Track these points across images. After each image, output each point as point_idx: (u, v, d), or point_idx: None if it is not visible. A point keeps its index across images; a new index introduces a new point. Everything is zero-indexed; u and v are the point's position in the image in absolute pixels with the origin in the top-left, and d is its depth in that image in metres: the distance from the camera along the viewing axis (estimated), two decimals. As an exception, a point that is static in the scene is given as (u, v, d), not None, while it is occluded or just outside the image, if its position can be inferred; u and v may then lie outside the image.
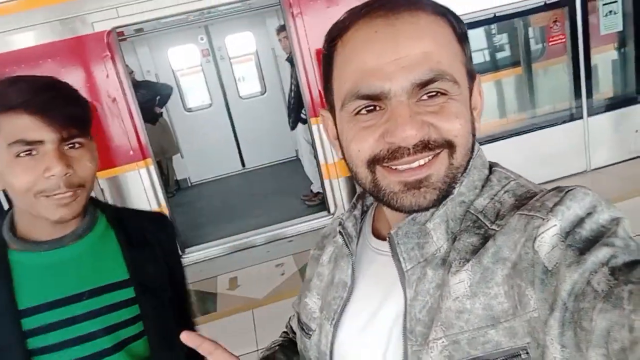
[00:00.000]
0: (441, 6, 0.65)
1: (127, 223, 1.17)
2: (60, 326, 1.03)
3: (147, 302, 1.11)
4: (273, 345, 0.93)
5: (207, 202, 6.45)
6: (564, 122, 4.74)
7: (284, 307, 3.59)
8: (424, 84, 0.59)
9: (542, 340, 0.52)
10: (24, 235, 1.06)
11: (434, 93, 0.60)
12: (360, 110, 0.62)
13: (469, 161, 0.66)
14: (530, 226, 0.56)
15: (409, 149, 0.60)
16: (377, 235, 0.76)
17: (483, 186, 0.67)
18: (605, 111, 4.77)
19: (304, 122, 5.05)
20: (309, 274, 0.87)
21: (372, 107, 0.62)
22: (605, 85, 4.90)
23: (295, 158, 7.25)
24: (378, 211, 0.79)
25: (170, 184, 6.89)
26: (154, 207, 4.34)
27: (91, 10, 4.18)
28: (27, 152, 0.96)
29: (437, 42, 0.61)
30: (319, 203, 5.21)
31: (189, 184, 7.53)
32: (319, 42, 4.41)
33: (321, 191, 5.16)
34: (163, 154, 6.57)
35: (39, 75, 1.03)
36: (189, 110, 7.45)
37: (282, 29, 5.21)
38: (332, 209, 4.82)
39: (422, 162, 0.61)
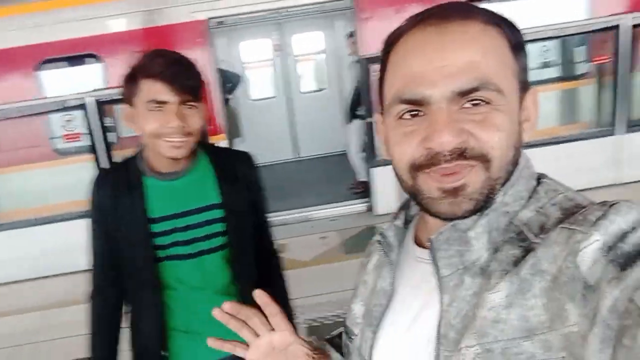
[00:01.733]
0: (496, 16, 0.65)
1: (222, 160, 1.55)
2: (175, 231, 1.47)
3: (231, 221, 1.51)
4: (338, 332, 0.97)
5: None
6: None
7: (325, 269, 4.23)
8: (465, 93, 0.60)
9: (580, 355, 0.51)
10: (151, 167, 1.47)
11: (477, 102, 0.61)
12: (403, 115, 0.64)
13: (511, 172, 0.65)
14: (572, 240, 0.55)
15: (445, 156, 0.60)
16: (419, 243, 0.76)
17: (530, 197, 0.66)
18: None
19: (361, 118, 5.64)
20: (356, 281, 0.87)
21: (415, 112, 0.63)
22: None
23: (345, 152, 7.84)
24: (421, 221, 0.78)
25: (230, 163, 7.57)
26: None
27: (190, 2, 4.94)
28: (157, 109, 1.33)
29: (485, 51, 0.61)
30: (363, 191, 5.79)
31: (246, 166, 8.22)
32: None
33: (366, 180, 5.74)
34: (228, 136, 7.26)
35: (171, 51, 1.43)
36: (254, 99, 8.16)
37: (351, 34, 5.82)
38: (375, 197, 5.41)
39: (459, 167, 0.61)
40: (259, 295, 0.81)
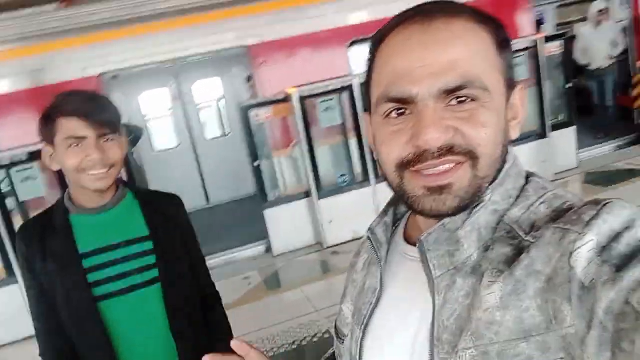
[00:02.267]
0: (481, 14, 0.64)
1: (148, 197, 1.60)
2: (107, 266, 1.47)
3: (160, 253, 1.51)
4: (331, 352, 0.95)
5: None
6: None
7: (251, 309, 4.23)
8: (451, 91, 0.60)
9: (579, 356, 0.51)
10: (77, 203, 1.49)
11: (463, 98, 0.60)
12: (390, 113, 0.64)
13: (499, 171, 0.65)
14: (565, 240, 0.54)
15: (433, 153, 0.60)
16: (409, 241, 0.76)
17: (518, 196, 0.65)
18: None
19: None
20: (345, 282, 0.87)
21: (402, 111, 0.63)
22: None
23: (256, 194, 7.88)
24: (412, 218, 0.78)
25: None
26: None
27: (80, 59, 4.88)
28: (76, 144, 1.37)
29: (469, 49, 0.61)
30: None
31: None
32: (279, 87, 5.25)
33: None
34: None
35: (85, 91, 1.49)
36: (158, 150, 8.03)
37: (250, 78, 6.00)
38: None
39: (447, 166, 0.61)
40: (237, 346, 0.79)
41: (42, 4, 4.80)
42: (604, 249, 0.51)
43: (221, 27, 5.25)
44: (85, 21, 4.89)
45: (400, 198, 0.68)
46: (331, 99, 5.04)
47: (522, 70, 5.59)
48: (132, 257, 1.49)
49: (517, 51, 5.48)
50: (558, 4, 8.80)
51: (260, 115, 5.07)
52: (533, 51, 5.56)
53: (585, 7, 10.09)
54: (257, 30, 5.31)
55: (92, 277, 1.45)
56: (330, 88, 4.99)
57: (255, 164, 5.14)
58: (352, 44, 5.49)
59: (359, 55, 5.41)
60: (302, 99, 4.93)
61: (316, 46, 5.47)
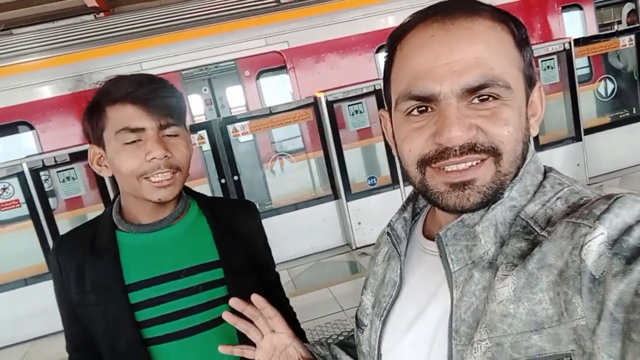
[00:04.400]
0: (501, 12, 0.64)
1: (218, 210, 1.22)
2: (162, 301, 1.11)
3: (234, 283, 1.15)
4: (350, 333, 0.96)
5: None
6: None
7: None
8: (474, 89, 0.60)
9: (590, 348, 0.52)
10: (129, 218, 1.15)
11: (486, 97, 0.61)
12: (412, 111, 0.64)
13: (519, 168, 0.65)
14: (577, 234, 0.55)
15: (455, 150, 0.60)
16: (428, 235, 0.76)
17: (536, 192, 0.66)
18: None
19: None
20: (367, 273, 0.88)
21: (424, 108, 0.63)
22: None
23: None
24: (431, 212, 0.79)
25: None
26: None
27: (116, 66, 5.09)
28: (133, 141, 1.03)
29: (491, 48, 0.61)
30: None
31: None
32: (308, 91, 5.38)
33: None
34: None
35: (138, 73, 1.11)
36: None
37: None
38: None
39: (468, 164, 0.61)
40: (256, 300, 0.85)
41: (81, 15, 5.03)
42: (615, 242, 0.52)
43: (250, 34, 5.40)
44: (120, 30, 5.11)
45: (422, 194, 0.68)
46: (359, 103, 5.11)
47: (554, 74, 5.51)
48: (197, 289, 1.14)
49: (550, 54, 5.41)
50: (596, 5, 8.59)
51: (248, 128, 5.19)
52: (565, 54, 5.47)
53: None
54: (286, 37, 5.43)
55: (141, 316, 1.11)
56: (358, 92, 5.05)
57: (235, 178, 5.22)
58: (380, 48, 5.56)
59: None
60: (329, 103, 5.01)
61: (344, 51, 5.56)
